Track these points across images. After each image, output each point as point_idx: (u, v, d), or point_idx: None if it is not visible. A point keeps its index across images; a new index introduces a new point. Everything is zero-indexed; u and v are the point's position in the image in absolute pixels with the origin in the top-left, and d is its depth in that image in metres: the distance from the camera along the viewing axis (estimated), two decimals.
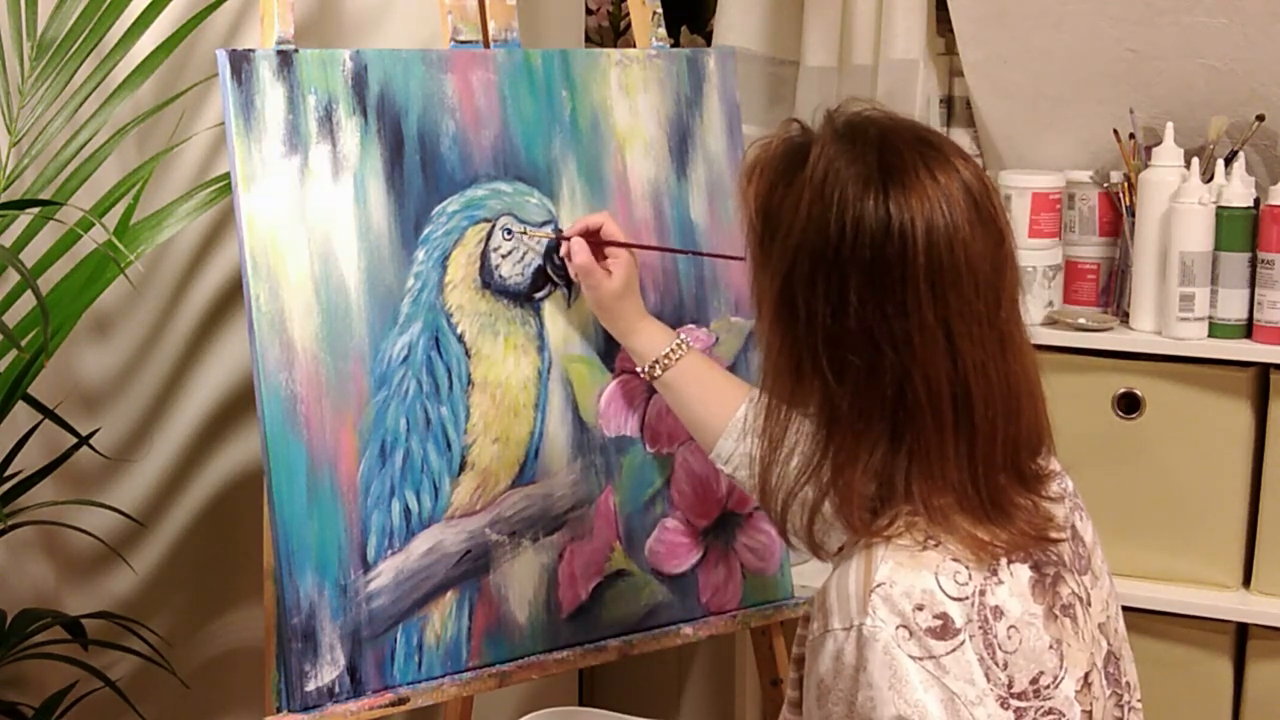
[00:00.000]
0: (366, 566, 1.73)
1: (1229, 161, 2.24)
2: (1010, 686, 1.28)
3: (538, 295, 1.87)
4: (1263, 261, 2.18)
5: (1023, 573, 1.32)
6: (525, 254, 1.86)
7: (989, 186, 1.33)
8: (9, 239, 1.91)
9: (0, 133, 1.94)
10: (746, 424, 1.72)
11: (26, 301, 1.90)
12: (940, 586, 1.27)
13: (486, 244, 1.83)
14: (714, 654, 2.81)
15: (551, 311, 1.88)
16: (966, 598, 1.27)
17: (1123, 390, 2.31)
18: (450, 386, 1.80)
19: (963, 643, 1.26)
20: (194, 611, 2.25)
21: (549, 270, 1.87)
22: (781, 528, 1.41)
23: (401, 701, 1.74)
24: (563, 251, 1.84)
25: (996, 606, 1.29)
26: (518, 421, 1.85)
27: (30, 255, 1.91)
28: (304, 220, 1.72)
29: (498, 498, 1.83)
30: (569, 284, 1.88)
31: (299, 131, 1.73)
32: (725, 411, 1.76)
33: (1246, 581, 2.26)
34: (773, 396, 1.36)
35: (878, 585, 1.26)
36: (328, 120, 1.75)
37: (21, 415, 1.96)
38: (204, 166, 2.16)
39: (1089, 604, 1.38)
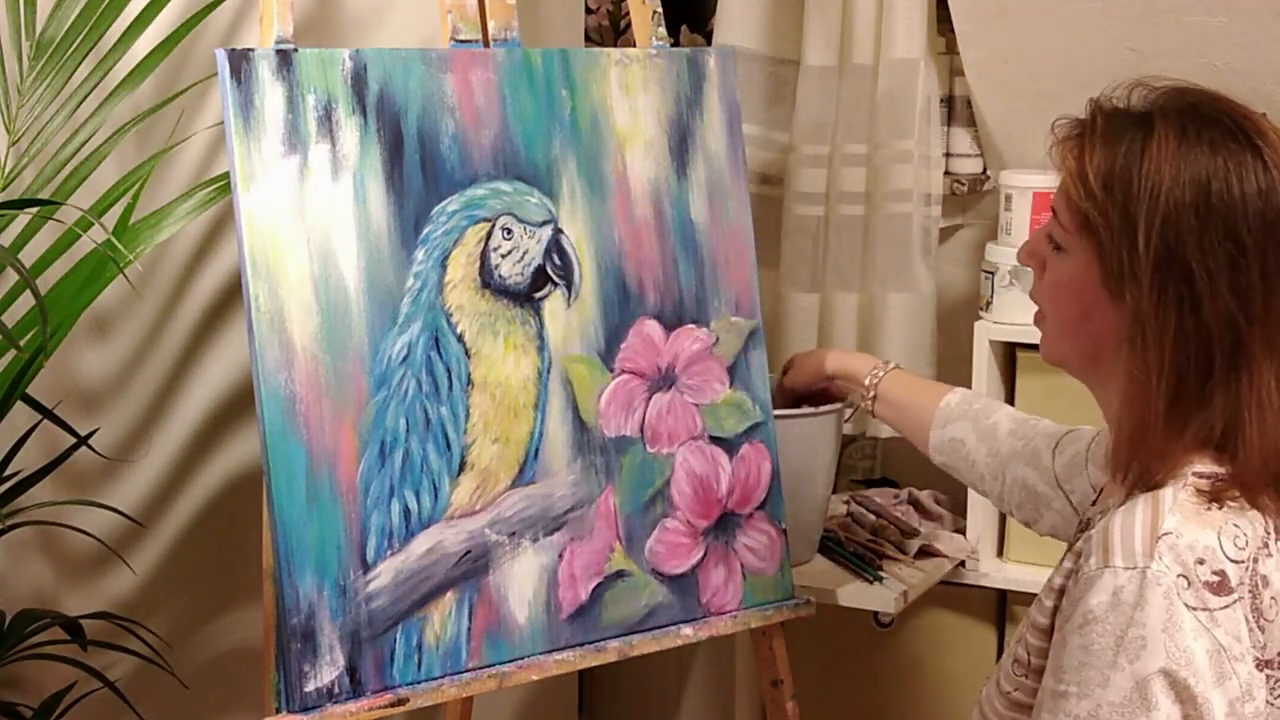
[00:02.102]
0: (366, 567, 1.73)
1: None
2: (1264, 650, 1.37)
3: (538, 295, 1.87)
4: None
5: None
6: (525, 254, 1.86)
7: None
8: (8, 239, 1.91)
9: None
10: (949, 412, 1.95)
11: (25, 301, 1.90)
12: (1221, 545, 1.36)
13: (486, 244, 1.83)
14: (714, 655, 2.81)
15: (551, 311, 1.87)
16: (1242, 561, 1.37)
17: None
18: (450, 386, 1.80)
19: (1236, 600, 1.35)
20: (193, 612, 2.25)
21: (549, 270, 1.87)
22: (1143, 467, 1.44)
23: (401, 702, 1.74)
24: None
25: (1265, 576, 1.38)
26: (518, 421, 1.84)
27: (29, 255, 1.90)
28: (303, 220, 1.72)
29: (497, 498, 1.83)
30: (569, 284, 1.88)
31: (298, 131, 1.72)
32: (933, 405, 1.98)
33: None
34: (1175, 355, 1.40)
35: (1165, 533, 1.35)
36: (327, 120, 1.74)
37: (20, 415, 1.95)
38: (203, 166, 2.16)
39: None
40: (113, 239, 1.84)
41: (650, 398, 1.94)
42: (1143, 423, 1.41)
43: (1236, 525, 1.38)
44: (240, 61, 1.70)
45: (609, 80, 1.94)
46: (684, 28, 2.90)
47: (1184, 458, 1.41)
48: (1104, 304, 1.44)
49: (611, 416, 1.91)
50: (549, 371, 1.87)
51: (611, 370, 1.91)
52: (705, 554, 1.98)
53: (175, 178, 2.14)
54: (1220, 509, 1.38)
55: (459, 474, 1.80)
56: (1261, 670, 1.36)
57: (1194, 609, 1.33)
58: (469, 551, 1.80)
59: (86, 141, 1.95)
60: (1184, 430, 1.40)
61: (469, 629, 1.79)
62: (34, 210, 1.86)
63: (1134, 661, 1.32)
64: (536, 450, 1.86)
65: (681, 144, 1.99)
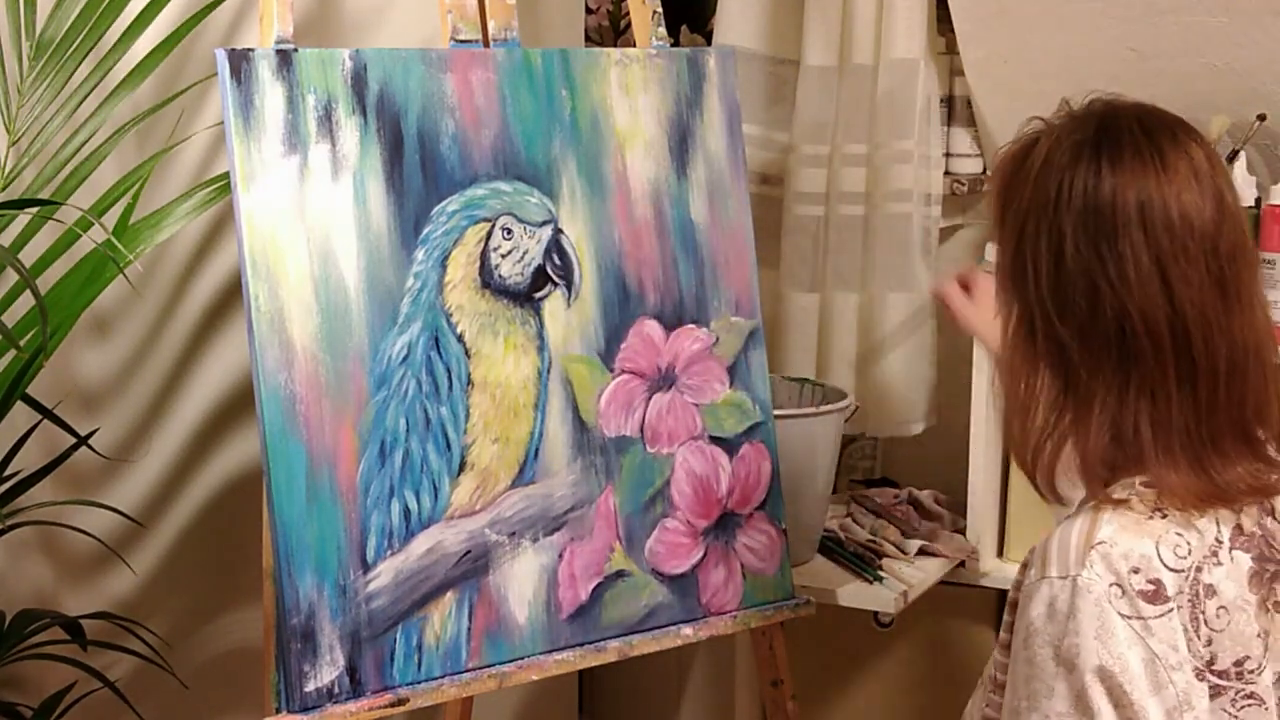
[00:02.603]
0: (366, 567, 1.73)
1: (1230, 161, 2.24)
2: (1211, 663, 1.36)
3: (538, 295, 1.87)
4: (1264, 261, 2.18)
5: (1244, 560, 1.39)
6: (525, 254, 1.86)
7: (1211, 156, 1.43)
8: (8, 239, 1.91)
9: None
10: None
11: (25, 301, 1.90)
12: (1159, 554, 1.35)
13: (486, 244, 1.83)
14: (714, 655, 2.80)
15: (551, 311, 1.87)
16: (1182, 570, 1.35)
17: None
18: (450, 386, 1.80)
19: (1171, 610, 1.34)
20: (193, 612, 2.25)
21: (549, 270, 1.87)
22: (1033, 481, 1.47)
23: (401, 702, 1.74)
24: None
25: (1210, 585, 1.36)
26: (518, 421, 1.84)
27: (29, 255, 1.90)
28: (303, 220, 1.72)
29: (497, 498, 1.83)
30: (569, 284, 1.88)
31: (298, 131, 1.72)
32: None
33: None
34: (1013, 353, 1.46)
35: (1099, 543, 1.35)
36: (327, 120, 1.74)
37: (20, 415, 1.95)
38: (203, 166, 2.16)
39: None
40: (113, 239, 1.84)
41: (650, 398, 1.94)
42: (1057, 438, 1.42)
43: (1180, 534, 1.36)
44: (240, 61, 1.70)
45: (609, 80, 1.94)
46: (684, 28, 2.90)
47: (1123, 469, 1.40)
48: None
49: (611, 416, 1.91)
50: (549, 371, 1.87)
51: (611, 370, 1.91)
52: (705, 554, 1.98)
53: (175, 178, 2.14)
54: (1164, 518, 1.37)
55: (459, 474, 1.80)
56: (1203, 680, 1.35)
57: (1127, 617, 1.32)
58: (469, 551, 1.80)
59: (86, 141, 1.95)
60: (1094, 422, 1.39)
61: (469, 629, 1.79)
62: (34, 210, 1.86)
63: (1071, 670, 1.32)
64: (536, 450, 1.86)
65: (681, 144, 1.99)
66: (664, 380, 1.96)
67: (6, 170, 1.92)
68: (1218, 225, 1.39)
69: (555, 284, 1.88)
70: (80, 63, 1.95)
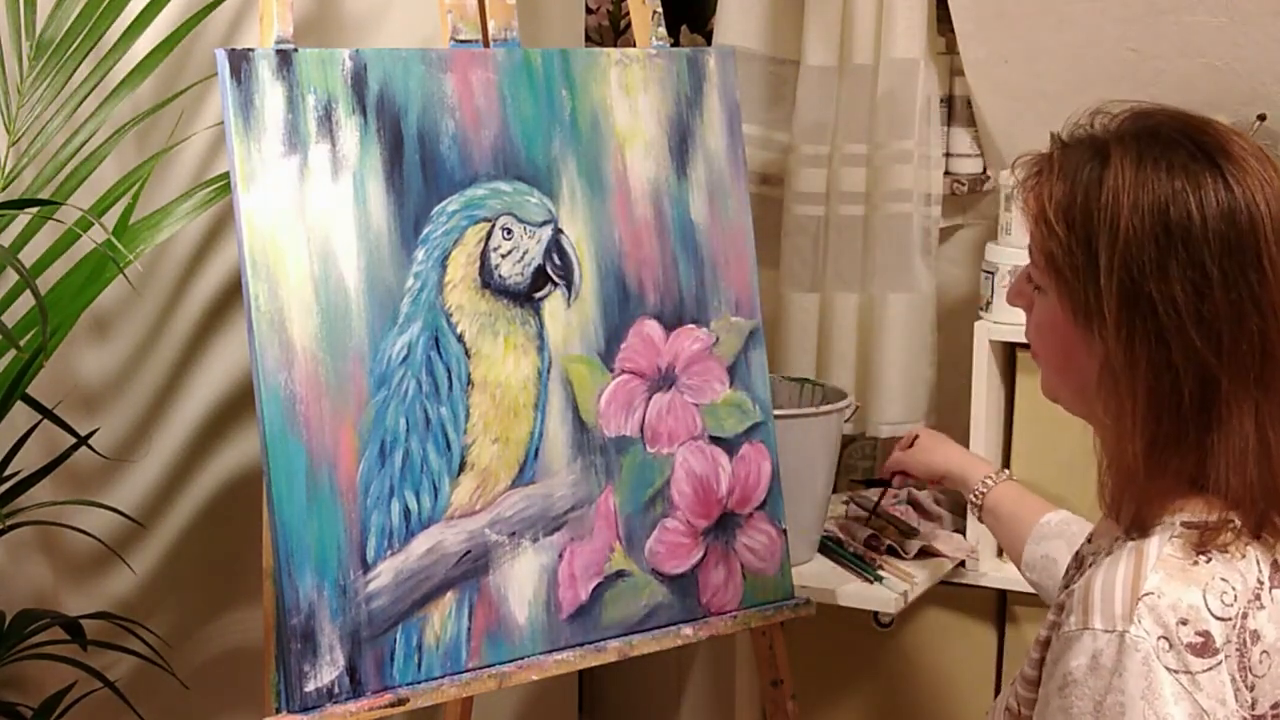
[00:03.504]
0: (366, 567, 1.73)
1: None
2: (1253, 708, 1.31)
3: (538, 295, 1.87)
4: None
5: None
6: (525, 254, 1.86)
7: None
8: (8, 239, 1.91)
9: None
10: (1047, 529, 1.89)
11: (25, 301, 1.90)
12: (1206, 604, 1.30)
13: (486, 244, 1.83)
14: (714, 655, 2.81)
15: (551, 311, 1.87)
16: (1230, 619, 1.30)
17: None
18: (450, 386, 1.80)
19: (1220, 662, 1.29)
20: (193, 612, 2.25)
21: (549, 270, 1.87)
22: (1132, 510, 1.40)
23: (401, 702, 1.74)
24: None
25: (1255, 630, 1.32)
26: (518, 421, 1.84)
27: (29, 255, 1.90)
28: (303, 220, 1.72)
29: (497, 498, 1.83)
30: (569, 284, 1.88)
31: (298, 131, 1.72)
32: (1032, 520, 1.92)
33: None
34: (1147, 395, 1.35)
35: (1146, 594, 1.29)
36: (327, 120, 1.74)
37: (20, 415, 1.95)
38: (203, 166, 2.16)
39: None
40: (113, 239, 1.84)
41: (650, 398, 1.94)
42: (1124, 464, 1.36)
43: (1225, 579, 1.31)
44: (240, 61, 1.70)
45: (609, 80, 1.94)
46: (684, 28, 2.90)
47: (1170, 502, 1.35)
48: (1080, 342, 1.38)
49: (611, 416, 1.91)
50: (549, 371, 1.87)
51: (611, 370, 1.91)
52: (705, 554, 1.98)
53: (175, 178, 2.14)
54: (1208, 562, 1.32)
55: (459, 474, 1.80)
56: None
57: (1175, 671, 1.27)
58: (469, 551, 1.80)
59: (86, 141, 1.95)
60: (1164, 472, 1.34)
61: (469, 629, 1.79)
62: (34, 210, 1.86)
63: None
64: (536, 450, 1.86)
65: (681, 144, 1.99)
66: (664, 380, 1.96)
67: (6, 170, 1.93)
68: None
69: (555, 284, 1.88)
70: (80, 63, 1.95)
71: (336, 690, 1.70)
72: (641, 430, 1.93)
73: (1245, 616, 1.32)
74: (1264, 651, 1.32)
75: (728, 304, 2.01)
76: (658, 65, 1.99)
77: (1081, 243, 1.35)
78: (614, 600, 1.90)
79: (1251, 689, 1.31)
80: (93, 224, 1.80)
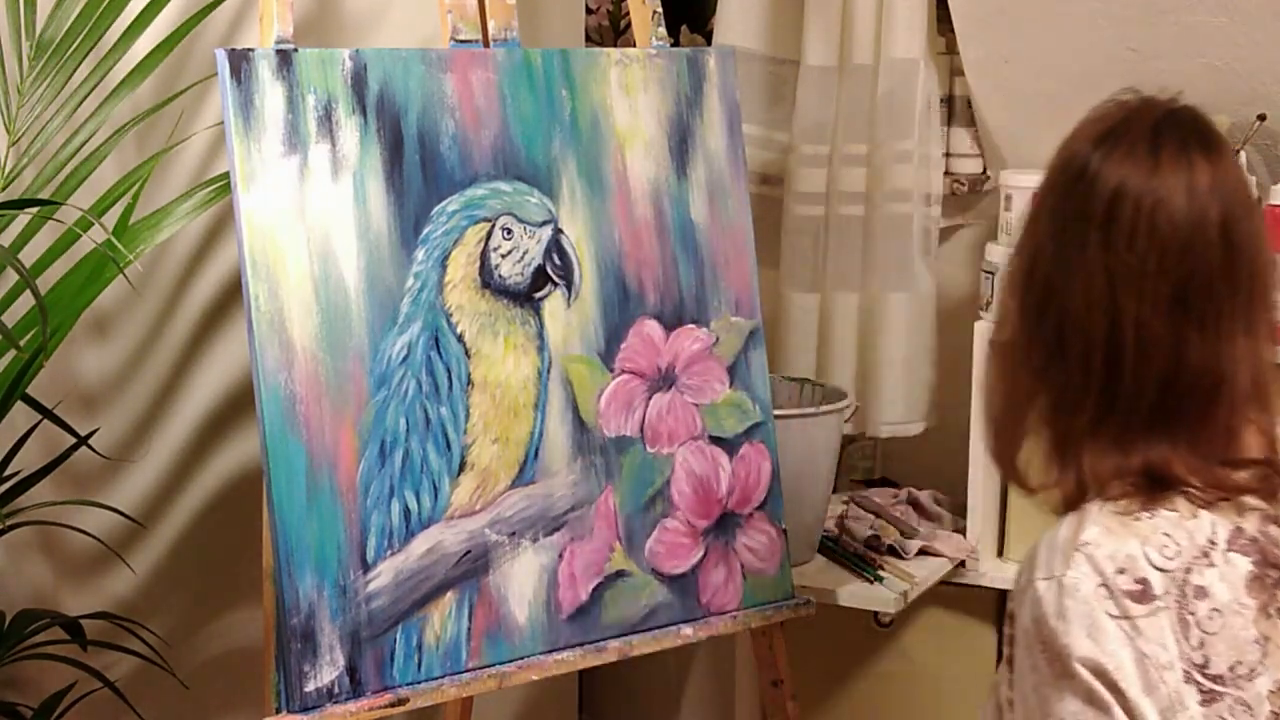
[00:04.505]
0: (366, 567, 1.73)
1: None
2: (1205, 667, 1.34)
3: (538, 295, 1.87)
4: None
5: (1241, 564, 1.37)
6: (525, 254, 1.86)
7: (1220, 179, 1.39)
8: (8, 239, 1.91)
9: None
10: None
11: (25, 301, 1.90)
12: (1145, 555, 1.33)
13: (486, 244, 1.83)
14: (714, 655, 2.80)
15: (551, 311, 1.87)
16: (1169, 571, 1.34)
17: None
18: (450, 386, 1.80)
19: (1158, 610, 1.32)
20: (193, 612, 2.25)
21: (549, 270, 1.87)
22: (1015, 480, 1.47)
23: (401, 702, 1.74)
24: None
25: (1201, 587, 1.35)
26: (518, 421, 1.84)
27: (29, 255, 1.90)
28: (303, 220, 1.72)
29: (497, 498, 1.83)
30: (569, 284, 1.88)
31: (298, 131, 1.72)
32: None
33: None
34: (994, 339, 1.47)
35: (1083, 544, 1.33)
36: (327, 120, 1.74)
37: (20, 415, 1.95)
38: (203, 166, 2.16)
39: None
40: (113, 239, 1.84)
41: (650, 398, 1.94)
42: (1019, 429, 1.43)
43: (1168, 535, 1.34)
44: (240, 61, 1.70)
45: (609, 80, 1.94)
46: (684, 28, 2.90)
47: (1099, 465, 1.38)
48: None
49: (611, 416, 1.91)
50: (549, 371, 1.87)
51: (611, 370, 1.91)
52: (705, 554, 1.98)
53: (175, 178, 2.14)
54: (1151, 518, 1.35)
55: (459, 474, 1.80)
56: (1191, 683, 1.33)
57: (1116, 617, 1.31)
58: (469, 551, 1.80)
59: (86, 141, 1.95)
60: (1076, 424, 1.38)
61: (469, 629, 1.79)
62: (34, 210, 1.86)
63: (1070, 668, 1.31)
64: (536, 450, 1.86)
65: (681, 144, 1.99)
66: (664, 380, 1.96)
67: (6, 170, 1.92)
68: (1196, 250, 1.35)
69: (555, 284, 1.88)
70: (80, 63, 1.95)
71: (336, 690, 1.70)
72: (641, 430, 1.93)
73: (1189, 571, 1.34)
74: (1214, 609, 1.35)
75: (728, 304, 2.01)
76: (658, 65, 1.99)
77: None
78: (614, 600, 1.90)
79: (1200, 645, 1.34)
80: (93, 224, 1.80)
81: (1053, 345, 1.38)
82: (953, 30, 2.53)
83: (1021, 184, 2.41)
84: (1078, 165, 1.38)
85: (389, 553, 1.75)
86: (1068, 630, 1.31)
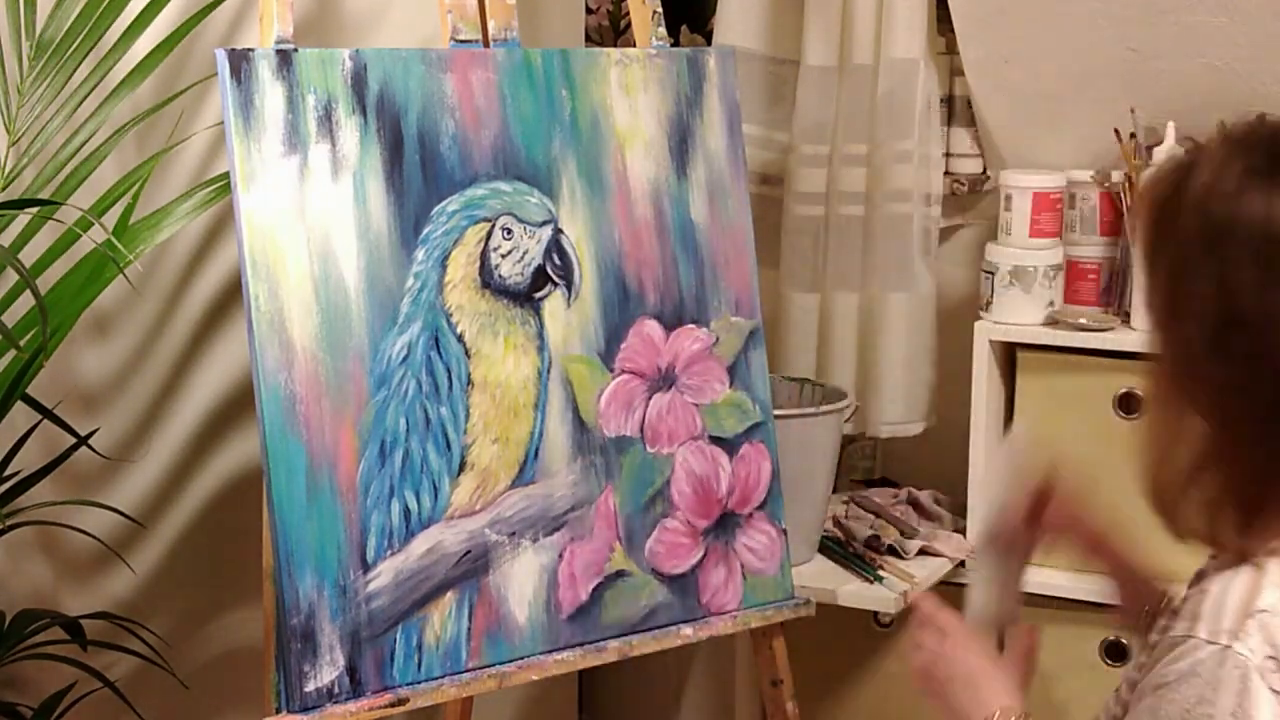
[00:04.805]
0: (366, 567, 1.73)
1: None
2: None
3: (538, 295, 1.87)
4: None
5: None
6: (525, 254, 1.86)
7: None
8: (8, 239, 1.91)
9: None
10: None
11: (25, 301, 1.90)
12: None
13: (486, 244, 1.83)
14: (714, 655, 2.80)
15: (551, 311, 1.87)
16: None
17: (1123, 390, 2.31)
18: (450, 386, 1.80)
19: None
20: (193, 612, 2.25)
21: (549, 270, 1.87)
22: (1173, 525, 1.37)
23: (401, 702, 1.74)
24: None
25: None
26: (517, 421, 1.84)
27: (29, 255, 1.90)
28: (303, 220, 1.72)
29: (497, 498, 1.83)
30: (569, 284, 1.88)
31: (298, 131, 1.72)
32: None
33: None
34: (1162, 389, 1.34)
35: (1260, 610, 1.25)
36: (327, 120, 1.74)
37: (20, 415, 1.95)
38: (203, 166, 2.16)
39: None
40: (113, 239, 1.84)
41: (650, 398, 1.94)
42: (1198, 481, 1.33)
43: None
44: (240, 61, 1.70)
45: (609, 80, 1.94)
46: (684, 28, 2.90)
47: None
48: None
49: (611, 416, 1.91)
50: (549, 371, 1.87)
51: (611, 370, 1.91)
52: (705, 554, 1.98)
53: (175, 178, 2.14)
54: None
55: (459, 474, 1.80)
56: None
57: (1277, 692, 1.23)
58: (469, 551, 1.80)
59: (86, 141, 1.95)
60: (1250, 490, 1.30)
61: (469, 629, 1.79)
62: (34, 210, 1.86)
63: None
64: (536, 450, 1.86)
65: (681, 144, 1.99)
66: (664, 380, 1.96)
67: (6, 170, 1.92)
68: None
69: (555, 284, 1.88)
70: (80, 63, 1.95)
71: (336, 690, 1.70)
72: (641, 430, 1.93)
73: None
74: None
75: (728, 304, 2.01)
76: (658, 65, 1.99)
77: (1154, 244, 1.35)
78: (614, 600, 1.90)
79: None
80: (93, 224, 1.80)
81: (1247, 387, 1.28)
82: (953, 30, 2.53)
83: (1021, 184, 2.41)
84: (1266, 223, 1.26)
85: (389, 553, 1.75)
86: (1215, 700, 1.23)
